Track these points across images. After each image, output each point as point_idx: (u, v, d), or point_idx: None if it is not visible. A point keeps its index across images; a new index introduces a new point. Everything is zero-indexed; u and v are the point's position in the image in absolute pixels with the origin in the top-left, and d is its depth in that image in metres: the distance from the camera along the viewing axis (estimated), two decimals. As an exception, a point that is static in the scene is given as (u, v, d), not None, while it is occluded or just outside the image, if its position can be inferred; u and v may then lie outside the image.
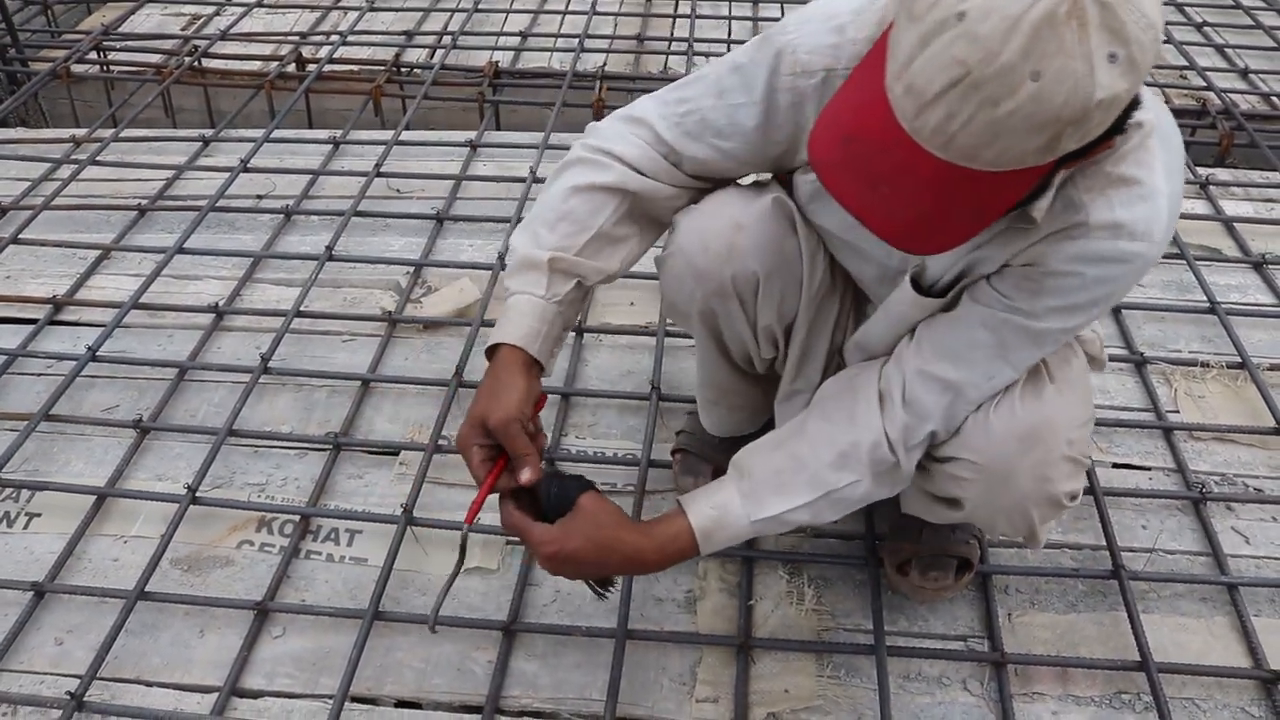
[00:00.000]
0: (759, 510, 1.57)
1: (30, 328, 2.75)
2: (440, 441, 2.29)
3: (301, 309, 2.70)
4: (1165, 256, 2.81)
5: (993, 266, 1.45)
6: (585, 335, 2.63)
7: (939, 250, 1.29)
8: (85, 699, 1.87)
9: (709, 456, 2.12)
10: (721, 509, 1.56)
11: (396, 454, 2.33)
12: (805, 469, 1.57)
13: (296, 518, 2.19)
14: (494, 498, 1.56)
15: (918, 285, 1.54)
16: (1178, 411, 2.47)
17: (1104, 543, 2.11)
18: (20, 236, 3.01)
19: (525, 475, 1.51)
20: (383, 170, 3.24)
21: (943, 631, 2.00)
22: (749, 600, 2.02)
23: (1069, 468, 1.60)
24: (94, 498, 2.25)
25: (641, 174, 1.61)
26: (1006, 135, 1.08)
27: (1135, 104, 1.17)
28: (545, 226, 1.60)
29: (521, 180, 3.20)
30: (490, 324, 2.55)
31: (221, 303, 2.76)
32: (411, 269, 2.86)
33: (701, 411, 2.10)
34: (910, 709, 1.88)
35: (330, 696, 1.87)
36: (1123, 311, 2.73)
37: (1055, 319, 1.43)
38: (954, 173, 1.12)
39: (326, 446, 2.35)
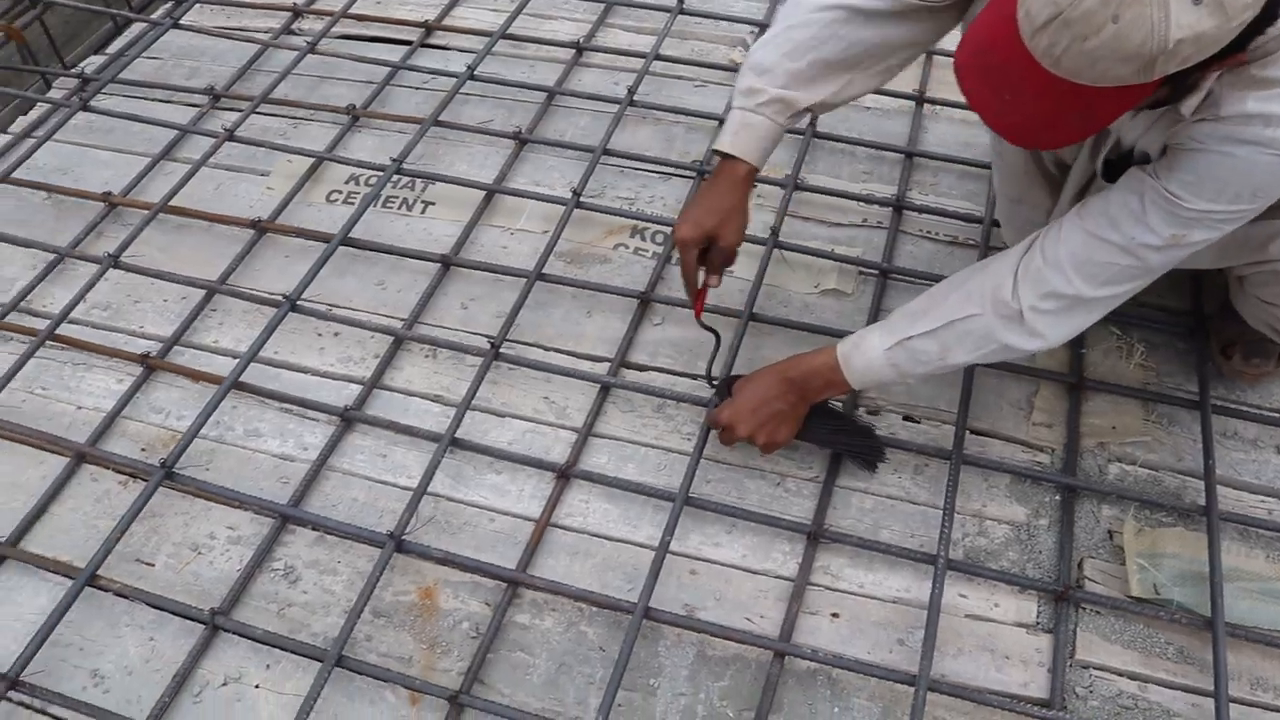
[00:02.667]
0: (890, 337, 1.77)
1: (405, 48, 3.02)
2: (799, 180, 2.48)
3: (659, 53, 2.88)
4: None
5: (1154, 148, 1.58)
6: (925, 105, 2.75)
7: (1050, 147, 1.69)
8: (501, 350, 2.16)
9: None
10: (860, 337, 1.80)
11: (755, 186, 2.52)
12: (937, 303, 1.75)
13: (668, 229, 2.42)
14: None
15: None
16: None
17: None
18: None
19: (713, 280, 1.91)
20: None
21: (1258, 403, 2.12)
22: (1080, 348, 2.17)
23: None
24: (484, 193, 2.52)
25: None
26: (1099, 63, 1.24)
27: (1272, 16, 1.28)
28: (782, 51, 1.76)
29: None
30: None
31: (582, 40, 2.97)
32: (756, 29, 3.01)
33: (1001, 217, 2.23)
34: (1226, 460, 2.03)
35: (702, 376, 2.12)
36: None
37: (1191, 196, 1.51)
38: (1064, 85, 1.29)
39: (691, 173, 2.56)
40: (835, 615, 1.81)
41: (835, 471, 1.97)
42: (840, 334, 2.11)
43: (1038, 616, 1.80)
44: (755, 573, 1.86)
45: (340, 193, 2.60)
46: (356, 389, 2.15)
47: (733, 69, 2.84)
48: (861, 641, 1.77)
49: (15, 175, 2.70)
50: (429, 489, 1.96)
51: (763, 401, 1.86)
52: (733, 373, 2.03)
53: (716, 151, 1.83)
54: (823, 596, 1.83)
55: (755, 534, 1.90)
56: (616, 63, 2.93)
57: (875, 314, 2.21)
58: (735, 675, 1.73)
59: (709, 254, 1.86)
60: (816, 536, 1.87)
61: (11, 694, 1.73)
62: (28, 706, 1.74)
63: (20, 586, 1.90)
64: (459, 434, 2.03)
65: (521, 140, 2.66)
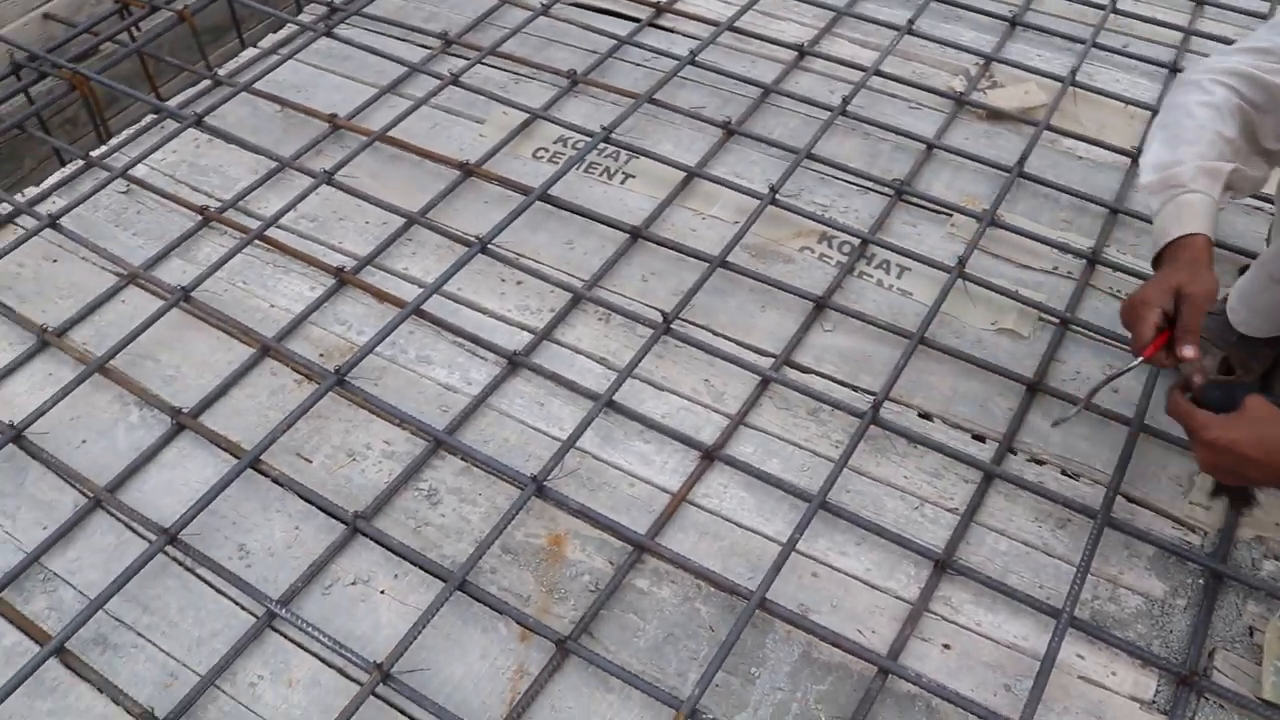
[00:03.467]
0: None
1: (632, 25, 3.09)
2: (995, 216, 2.45)
3: (879, 69, 2.89)
4: None
5: None
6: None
7: None
8: (672, 326, 2.21)
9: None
10: None
11: (949, 215, 2.51)
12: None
13: (857, 240, 2.42)
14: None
15: None
16: None
17: None
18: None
19: (1187, 351, 1.60)
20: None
21: None
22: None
23: None
24: (684, 175, 2.57)
25: (1257, 101, 1.72)
26: None
27: None
28: (1200, 140, 1.71)
29: (1101, 7, 3.22)
30: (1055, 129, 2.70)
31: (806, 44, 3.00)
32: (982, 60, 2.98)
33: (1242, 298, 2.09)
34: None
35: (871, 392, 2.12)
36: None
37: None
38: None
39: (889, 191, 2.56)
40: (947, 646, 1.79)
41: (977, 507, 1.95)
42: (1010, 375, 2.10)
43: (1155, 695, 1.75)
44: (876, 588, 1.86)
45: (547, 151, 2.68)
46: (527, 337, 2.23)
47: (951, 96, 2.82)
48: (968, 678, 1.75)
49: (256, 86, 2.88)
50: (577, 444, 2.01)
51: (1259, 463, 1.48)
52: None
53: (1158, 255, 1.72)
54: (938, 626, 1.82)
55: (884, 551, 1.90)
56: (836, 72, 2.94)
57: (1048, 361, 2.17)
58: (836, 682, 1.74)
59: (1178, 310, 1.63)
60: (944, 566, 1.86)
61: (169, 548, 1.86)
62: (179, 563, 1.87)
63: (192, 455, 2.04)
64: (616, 398, 2.08)
65: (730, 131, 2.70)
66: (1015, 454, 2.07)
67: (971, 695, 1.71)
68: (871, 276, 2.38)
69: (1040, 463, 2.05)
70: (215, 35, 3.63)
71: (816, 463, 2.03)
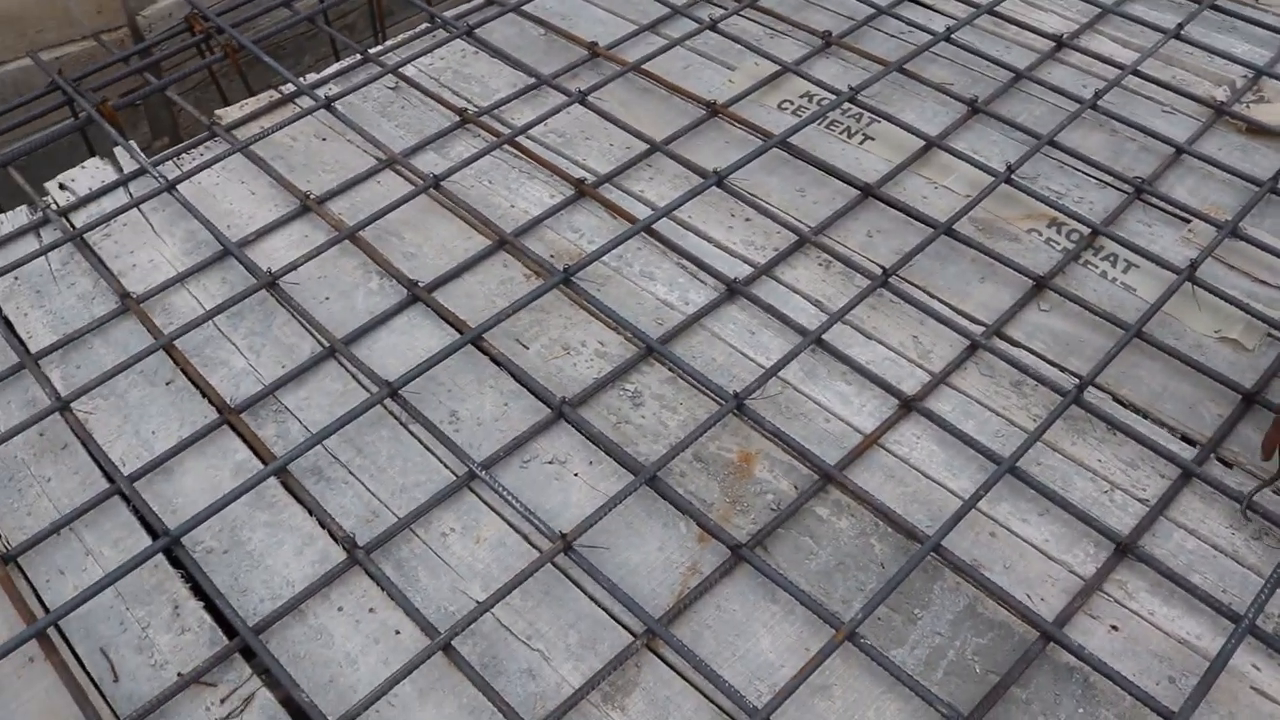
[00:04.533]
0: None
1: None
2: (1237, 227, 2.40)
3: (1138, 69, 2.84)
4: None
5: None
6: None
7: None
8: (889, 281, 2.25)
9: None
10: None
11: (1188, 221, 2.47)
12: None
13: (1087, 230, 2.41)
14: None
15: None
16: None
17: None
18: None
19: None
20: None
21: None
22: None
23: None
24: (923, 144, 2.60)
25: None
26: None
27: None
28: None
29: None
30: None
31: (1065, 36, 2.98)
32: (1252, 74, 2.90)
33: None
34: None
35: (1078, 375, 2.12)
36: None
37: None
38: None
39: (1128, 189, 2.53)
40: (1115, 628, 1.79)
41: (1169, 501, 1.94)
42: (1228, 384, 2.07)
43: (1331, 720, 1.71)
44: (1052, 559, 1.87)
45: (792, 104, 2.75)
46: (747, 269, 2.31)
47: (1210, 105, 2.76)
48: (1131, 662, 1.75)
49: (525, 9, 3.04)
50: (781, 373, 2.08)
51: None
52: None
53: None
54: (1109, 607, 1.82)
55: (1066, 526, 1.91)
56: (1092, 67, 2.91)
57: (1270, 376, 2.13)
58: (996, 639, 1.76)
59: None
60: (1126, 550, 1.86)
61: (388, 401, 2.03)
62: (395, 416, 2.04)
63: (420, 325, 2.20)
64: (826, 337, 2.14)
65: (974, 109, 2.71)
66: (1220, 461, 2.04)
67: (1133, 678, 1.71)
68: (1096, 267, 2.37)
69: (1245, 472, 2.01)
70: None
71: (1012, 431, 2.05)
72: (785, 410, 2.05)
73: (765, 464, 1.97)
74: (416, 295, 2.23)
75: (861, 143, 2.65)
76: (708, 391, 2.06)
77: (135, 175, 2.58)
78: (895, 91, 2.80)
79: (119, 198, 2.53)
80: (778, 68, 2.82)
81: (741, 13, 3.02)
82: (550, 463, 1.97)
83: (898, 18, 3.04)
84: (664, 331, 2.16)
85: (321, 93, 2.78)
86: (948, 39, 2.91)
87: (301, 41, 3.60)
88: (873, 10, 3.05)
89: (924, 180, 2.55)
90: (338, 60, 3.08)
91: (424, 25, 3.09)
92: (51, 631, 1.74)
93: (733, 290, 2.24)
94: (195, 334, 2.18)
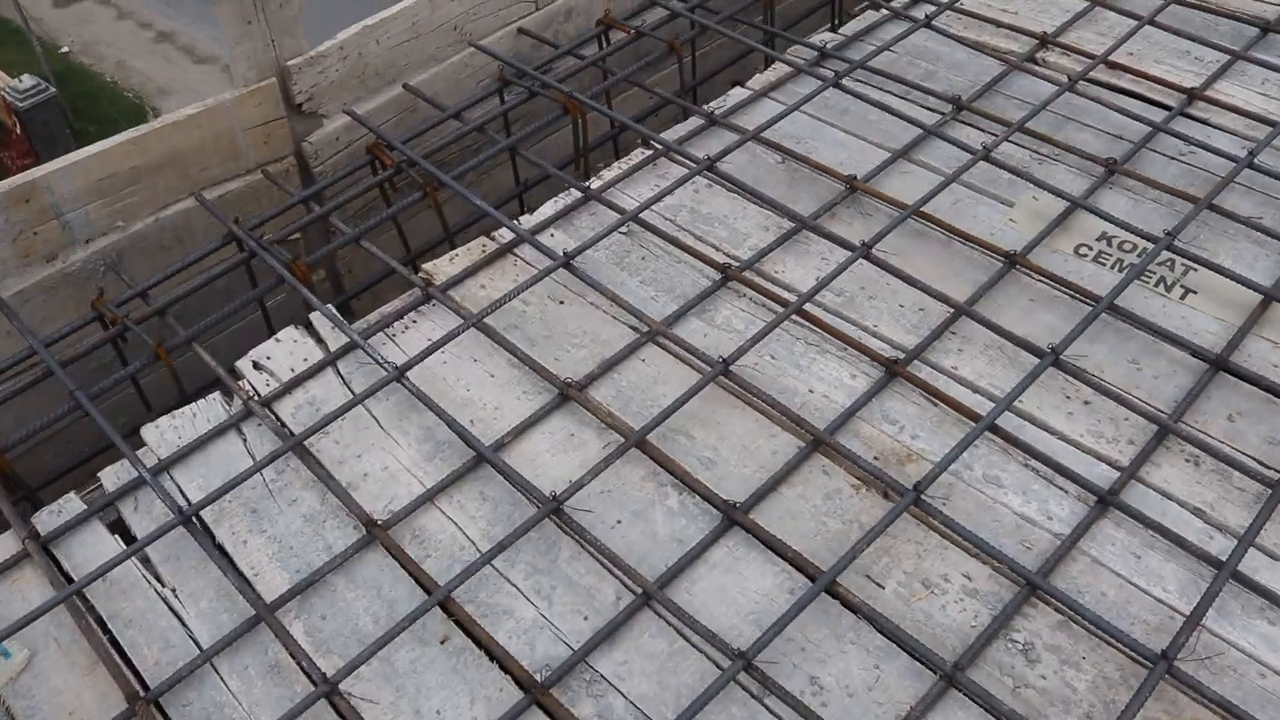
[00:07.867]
0: None
1: (1158, 110, 2.79)
2: None
3: None
4: None
5: None
6: None
7: None
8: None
9: None
10: None
11: None
12: None
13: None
14: None
15: None
16: None
17: None
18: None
19: None
20: None
21: None
22: None
23: None
24: (1259, 297, 2.26)
25: None
26: None
27: None
28: None
29: None
30: None
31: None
32: None
33: None
34: None
35: None
36: None
37: None
38: None
39: None
40: None
41: None
42: None
43: None
44: None
45: (1090, 249, 2.42)
46: (1106, 469, 1.98)
47: None
48: None
49: (764, 135, 2.73)
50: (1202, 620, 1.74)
51: None
52: None
53: None
54: None
55: None
56: None
57: None
58: None
59: None
60: None
61: (741, 675, 1.69)
62: (745, 689, 1.70)
63: (747, 559, 1.88)
64: (1240, 567, 1.80)
65: (1298, 252, 2.37)
66: None
67: None
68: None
69: None
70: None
71: None
72: (1209, 665, 1.71)
73: (1209, 743, 1.63)
74: (734, 519, 1.90)
75: (1183, 296, 2.31)
76: (1119, 643, 1.72)
77: (344, 353, 2.26)
78: (1201, 231, 2.46)
79: (329, 381, 2.21)
80: (1065, 204, 2.48)
81: (1010, 138, 2.68)
82: (947, 745, 1.63)
83: (1177, 135, 2.70)
84: (1034, 558, 1.83)
85: (550, 242, 2.47)
86: (1251, 165, 2.56)
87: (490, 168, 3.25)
88: (1146, 129, 2.71)
89: (1269, 344, 2.21)
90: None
91: (640, 151, 2.78)
92: None
93: (1105, 502, 1.90)
94: (462, 569, 1.85)
